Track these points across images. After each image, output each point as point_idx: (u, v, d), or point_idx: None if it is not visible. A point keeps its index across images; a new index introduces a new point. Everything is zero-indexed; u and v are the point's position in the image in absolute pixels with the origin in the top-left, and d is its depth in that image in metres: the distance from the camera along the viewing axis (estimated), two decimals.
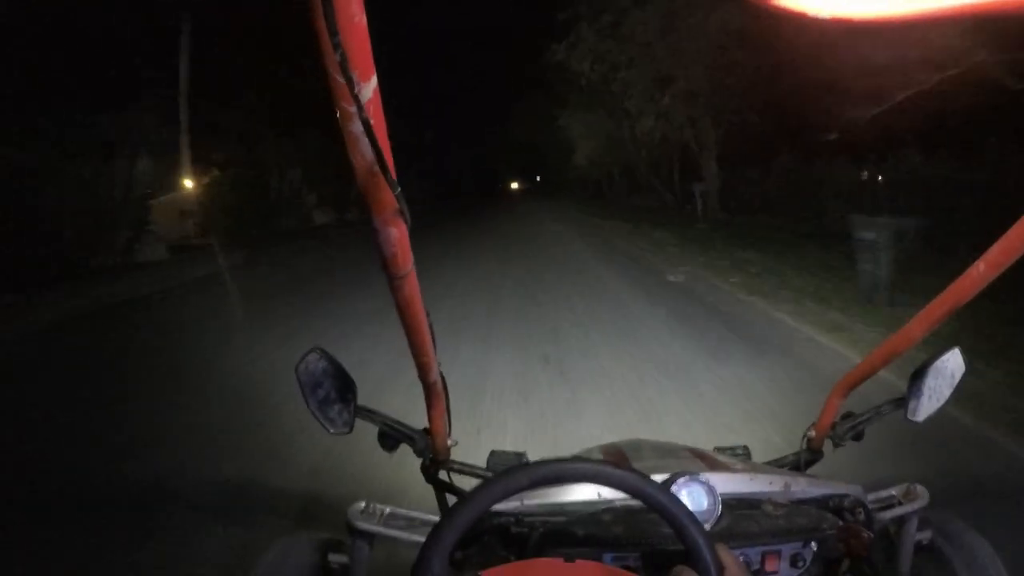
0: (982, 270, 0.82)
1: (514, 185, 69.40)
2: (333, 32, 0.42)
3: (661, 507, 0.69)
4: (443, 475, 1.22)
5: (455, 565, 0.91)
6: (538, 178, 64.18)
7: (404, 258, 0.64)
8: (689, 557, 0.69)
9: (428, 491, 1.26)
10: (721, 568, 0.69)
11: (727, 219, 15.39)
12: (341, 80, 0.45)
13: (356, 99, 0.46)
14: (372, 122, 0.49)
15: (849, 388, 1.18)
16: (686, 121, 15.64)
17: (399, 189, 0.55)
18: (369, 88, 0.48)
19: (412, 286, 0.70)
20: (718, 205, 16.36)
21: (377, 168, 0.52)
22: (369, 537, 0.99)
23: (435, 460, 1.17)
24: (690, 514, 0.70)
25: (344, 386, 1.04)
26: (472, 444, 2.95)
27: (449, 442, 1.16)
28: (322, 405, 1.03)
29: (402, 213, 0.58)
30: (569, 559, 0.76)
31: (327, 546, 1.07)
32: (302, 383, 1.02)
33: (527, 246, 13.49)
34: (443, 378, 1.01)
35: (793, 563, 0.93)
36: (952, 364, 1.12)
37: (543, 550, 0.87)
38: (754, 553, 0.91)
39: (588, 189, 36.78)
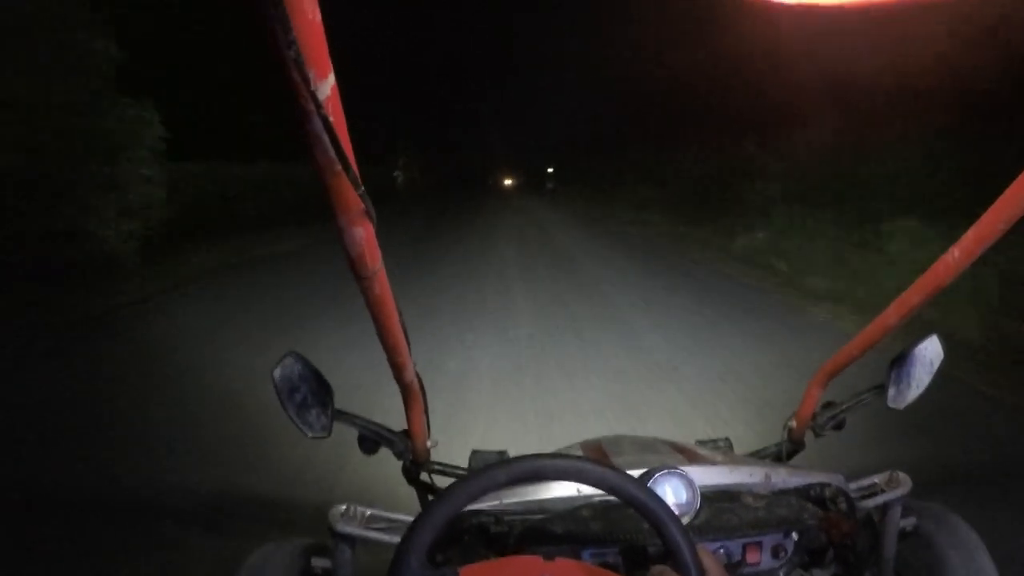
0: (956, 256, 0.82)
1: (507, 181, 46.14)
2: (287, 29, 0.42)
3: (640, 504, 0.68)
4: (425, 477, 1.21)
5: (437, 567, 0.90)
6: (551, 169, 35.44)
7: (372, 257, 0.64)
8: (669, 556, 0.68)
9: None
10: (702, 570, 0.68)
11: None
12: (297, 79, 0.45)
13: (314, 97, 0.46)
14: (332, 120, 0.48)
15: (828, 377, 1.18)
16: None
17: (363, 188, 0.55)
18: (327, 85, 0.47)
19: (382, 285, 0.70)
20: None
21: (340, 168, 0.52)
22: (351, 540, 0.98)
23: (415, 462, 1.16)
24: (670, 511, 0.69)
25: (321, 390, 1.03)
26: None
27: (429, 443, 1.15)
28: (300, 409, 1.02)
29: (367, 212, 0.58)
30: (548, 557, 0.75)
31: (310, 551, 1.06)
32: (279, 388, 1.00)
33: None
34: (419, 378, 1.00)
35: (775, 554, 0.93)
36: (930, 350, 1.12)
37: (523, 548, 0.87)
38: (735, 545, 0.91)
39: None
